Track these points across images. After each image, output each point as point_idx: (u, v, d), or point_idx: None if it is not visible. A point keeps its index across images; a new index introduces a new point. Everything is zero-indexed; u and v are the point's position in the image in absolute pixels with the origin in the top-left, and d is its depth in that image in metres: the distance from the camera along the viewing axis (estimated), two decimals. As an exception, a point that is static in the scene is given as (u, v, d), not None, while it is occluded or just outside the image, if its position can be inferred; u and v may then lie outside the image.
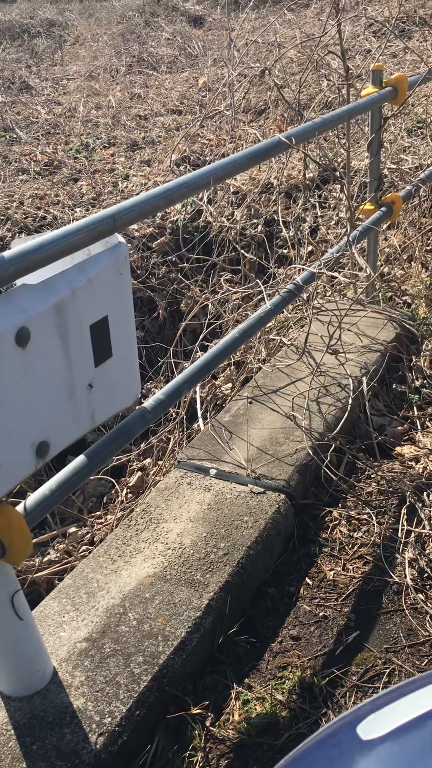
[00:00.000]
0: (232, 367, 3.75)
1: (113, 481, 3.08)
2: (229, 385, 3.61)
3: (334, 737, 0.78)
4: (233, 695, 1.89)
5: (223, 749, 1.77)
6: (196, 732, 1.78)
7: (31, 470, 1.57)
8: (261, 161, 2.49)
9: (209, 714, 1.83)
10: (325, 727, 0.83)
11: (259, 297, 3.58)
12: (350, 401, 2.78)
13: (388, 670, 1.95)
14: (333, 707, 1.87)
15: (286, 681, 1.92)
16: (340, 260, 3.42)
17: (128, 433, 2.01)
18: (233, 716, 1.84)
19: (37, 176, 5.90)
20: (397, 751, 0.70)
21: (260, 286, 3.01)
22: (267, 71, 5.25)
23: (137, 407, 2.15)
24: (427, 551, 2.28)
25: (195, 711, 1.81)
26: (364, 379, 2.91)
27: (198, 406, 3.26)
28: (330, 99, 5.76)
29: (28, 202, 5.19)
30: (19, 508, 1.69)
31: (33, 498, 1.73)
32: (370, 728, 0.76)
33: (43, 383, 1.54)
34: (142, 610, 1.98)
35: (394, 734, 0.73)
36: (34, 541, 3.01)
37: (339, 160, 5.07)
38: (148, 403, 2.13)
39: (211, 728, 1.80)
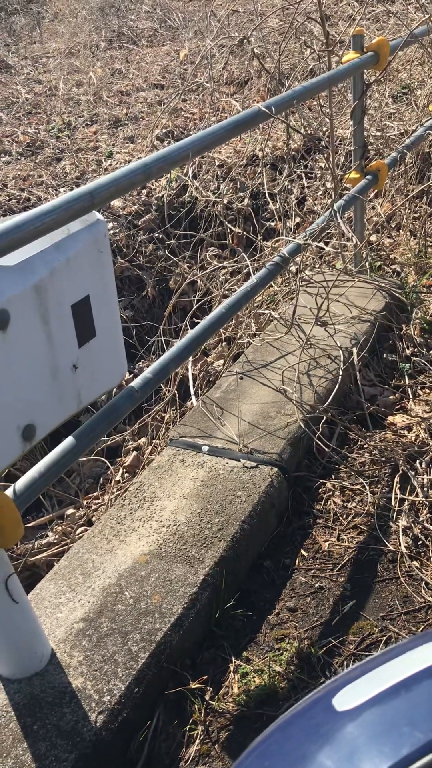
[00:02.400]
0: (224, 343, 3.73)
1: (107, 462, 3.08)
2: (221, 361, 3.59)
3: (310, 710, 0.79)
4: (232, 668, 1.90)
5: (223, 722, 1.79)
6: (196, 706, 1.80)
7: (18, 454, 1.56)
8: (241, 132, 2.45)
9: (208, 688, 1.85)
10: (303, 700, 0.84)
11: (246, 271, 3.55)
12: (341, 372, 2.77)
13: (384, 638, 1.97)
14: (331, 676, 1.89)
15: (284, 652, 1.93)
16: (328, 231, 3.39)
17: (116, 413, 1.99)
18: (232, 689, 1.85)
19: (19, 157, 5.82)
20: (370, 721, 0.71)
21: (246, 261, 2.99)
22: (246, 40, 5.16)
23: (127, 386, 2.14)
24: (421, 518, 2.28)
25: (194, 686, 1.83)
26: (354, 349, 2.90)
27: (190, 383, 3.24)
28: (313, 67, 5.68)
29: (11, 184, 5.13)
30: (9, 492, 1.69)
31: (22, 481, 1.73)
32: (345, 699, 0.77)
33: (26, 366, 1.53)
34: (138, 588, 1.99)
35: (368, 704, 0.73)
36: (32, 524, 3.01)
37: (324, 129, 5.00)
38: (135, 382, 2.11)
39: (210, 702, 1.82)
